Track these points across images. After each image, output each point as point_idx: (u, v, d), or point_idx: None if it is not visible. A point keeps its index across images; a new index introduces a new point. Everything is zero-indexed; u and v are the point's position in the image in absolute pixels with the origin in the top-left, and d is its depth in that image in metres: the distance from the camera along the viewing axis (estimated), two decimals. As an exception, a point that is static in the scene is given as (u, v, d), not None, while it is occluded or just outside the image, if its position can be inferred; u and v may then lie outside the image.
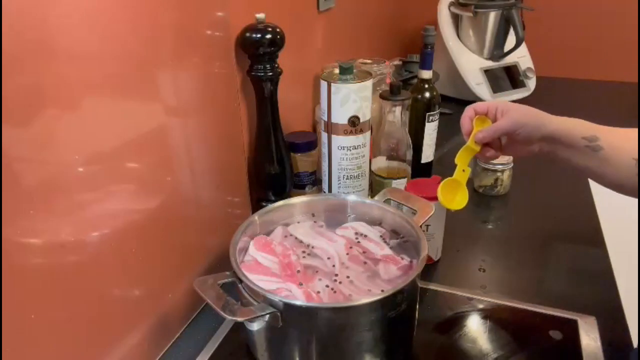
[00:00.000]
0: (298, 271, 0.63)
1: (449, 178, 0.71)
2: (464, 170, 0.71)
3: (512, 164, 1.00)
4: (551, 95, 1.59)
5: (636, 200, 0.63)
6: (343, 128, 0.79)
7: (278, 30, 0.76)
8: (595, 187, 1.06)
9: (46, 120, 0.46)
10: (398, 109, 0.87)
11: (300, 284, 0.60)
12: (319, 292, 0.60)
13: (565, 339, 0.66)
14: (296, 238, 0.71)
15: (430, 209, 0.69)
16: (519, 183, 1.04)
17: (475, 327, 0.69)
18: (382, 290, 0.60)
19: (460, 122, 0.71)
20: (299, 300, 0.57)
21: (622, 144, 0.63)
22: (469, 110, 0.71)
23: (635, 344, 0.65)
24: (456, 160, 0.71)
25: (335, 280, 0.62)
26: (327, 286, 0.62)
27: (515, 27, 1.43)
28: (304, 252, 0.68)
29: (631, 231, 0.89)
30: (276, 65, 0.78)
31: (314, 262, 0.66)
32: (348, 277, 0.63)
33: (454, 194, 0.71)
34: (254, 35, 0.75)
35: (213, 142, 0.74)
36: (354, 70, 0.78)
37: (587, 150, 0.64)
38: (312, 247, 0.69)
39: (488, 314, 0.71)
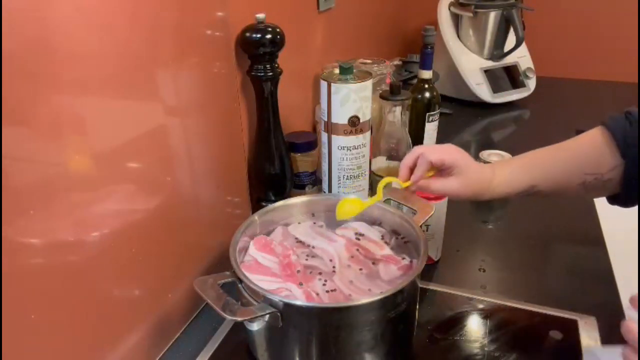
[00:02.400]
0: (298, 271, 0.63)
1: (358, 199, 0.68)
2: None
3: (512, 164, 1.00)
4: (551, 95, 1.60)
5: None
6: (343, 128, 0.79)
7: (278, 30, 0.76)
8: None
9: (46, 120, 0.46)
10: (398, 109, 0.87)
11: (300, 284, 0.60)
12: (318, 293, 0.60)
13: (565, 339, 0.66)
14: (296, 238, 0.71)
15: (430, 209, 0.69)
16: (519, 183, 1.04)
17: (475, 327, 0.69)
18: (381, 292, 0.60)
19: (402, 163, 0.67)
20: (299, 300, 0.57)
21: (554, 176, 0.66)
22: (414, 158, 0.66)
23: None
24: (378, 188, 0.67)
25: (335, 280, 0.62)
26: (327, 286, 0.62)
27: (515, 27, 1.43)
28: (304, 253, 0.68)
29: (631, 231, 0.89)
30: (276, 65, 0.78)
31: (314, 263, 0.66)
32: (348, 277, 0.63)
33: (351, 207, 0.68)
34: (254, 35, 0.75)
35: (213, 142, 0.74)
36: (354, 70, 0.78)
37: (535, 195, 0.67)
38: (313, 247, 0.69)
39: (488, 314, 0.71)
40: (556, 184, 0.65)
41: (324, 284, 0.62)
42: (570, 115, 1.44)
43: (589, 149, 0.63)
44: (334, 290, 0.61)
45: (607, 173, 0.62)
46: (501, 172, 0.68)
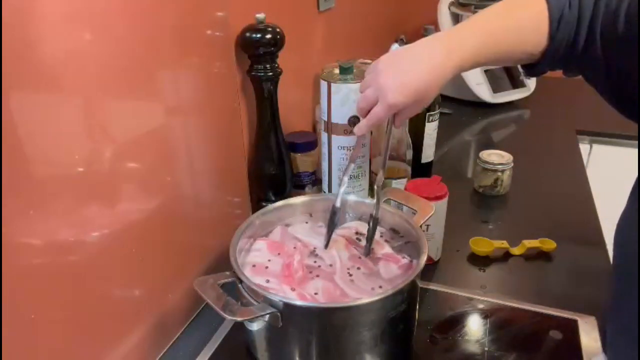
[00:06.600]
0: (298, 272, 0.63)
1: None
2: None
3: (512, 164, 1.00)
4: (551, 95, 1.59)
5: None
6: (343, 128, 0.78)
7: (278, 30, 0.76)
8: (596, 187, 1.06)
9: (46, 120, 0.46)
10: (398, 109, 0.87)
11: (293, 289, 0.60)
12: (317, 293, 0.60)
13: (565, 339, 0.66)
14: (296, 238, 0.71)
15: (430, 209, 0.69)
16: (519, 183, 1.04)
17: (475, 327, 0.69)
18: (383, 290, 0.60)
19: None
20: (299, 300, 0.57)
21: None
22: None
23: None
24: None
25: (336, 280, 0.62)
26: (326, 286, 0.61)
27: (515, 27, 1.43)
28: (305, 253, 0.68)
29: (631, 231, 0.88)
30: (276, 65, 0.78)
31: (315, 262, 0.66)
32: (349, 276, 0.63)
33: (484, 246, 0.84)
34: (254, 35, 0.75)
35: (213, 142, 0.74)
36: (354, 70, 0.78)
37: None
38: (313, 247, 0.69)
39: (488, 314, 0.71)
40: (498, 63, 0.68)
41: (324, 284, 0.62)
42: (570, 115, 1.44)
43: (532, 31, 0.62)
44: (334, 290, 0.61)
45: (537, 54, 0.63)
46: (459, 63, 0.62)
